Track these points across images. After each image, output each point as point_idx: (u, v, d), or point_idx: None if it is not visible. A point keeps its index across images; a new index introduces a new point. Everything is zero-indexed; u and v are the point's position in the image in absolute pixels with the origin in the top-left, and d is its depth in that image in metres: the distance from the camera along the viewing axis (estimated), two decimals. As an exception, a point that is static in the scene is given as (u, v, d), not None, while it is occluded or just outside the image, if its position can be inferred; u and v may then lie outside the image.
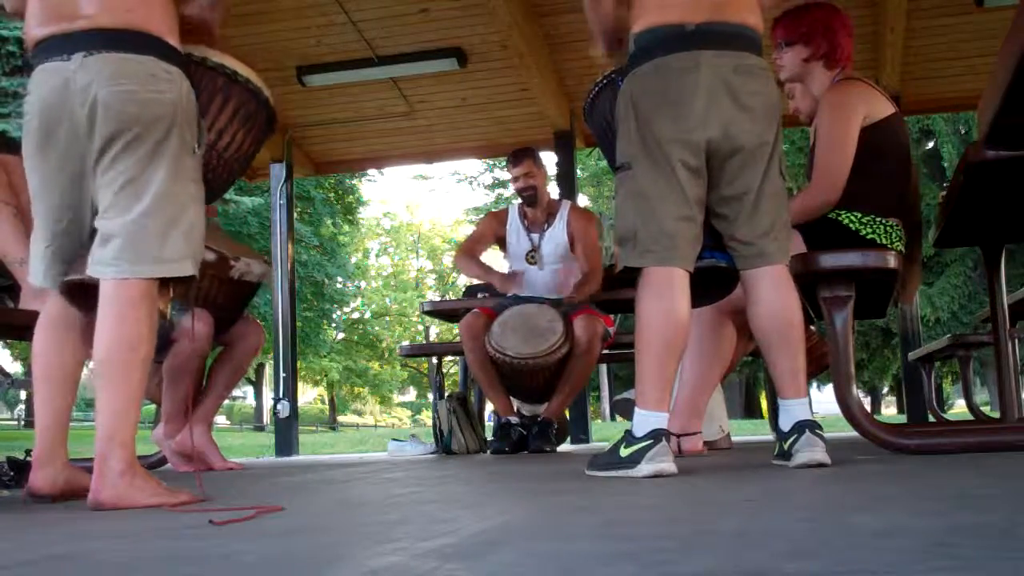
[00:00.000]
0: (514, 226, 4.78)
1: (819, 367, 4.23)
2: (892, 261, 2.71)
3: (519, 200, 4.78)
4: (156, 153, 2.03)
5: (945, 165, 20.19)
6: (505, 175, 5.40)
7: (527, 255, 4.70)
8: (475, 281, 5.13)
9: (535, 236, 4.71)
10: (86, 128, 2.02)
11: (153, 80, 2.03)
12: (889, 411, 33.47)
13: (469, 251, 4.81)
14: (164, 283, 2.16)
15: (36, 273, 2.19)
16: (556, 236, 4.67)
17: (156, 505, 1.93)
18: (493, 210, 5.54)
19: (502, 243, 4.83)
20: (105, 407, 1.99)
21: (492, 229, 4.85)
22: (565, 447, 5.18)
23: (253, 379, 30.95)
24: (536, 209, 4.71)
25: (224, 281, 3.90)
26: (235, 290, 3.99)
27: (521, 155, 4.73)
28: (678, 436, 3.23)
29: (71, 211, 2.11)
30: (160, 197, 2.03)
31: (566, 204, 4.80)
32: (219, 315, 3.93)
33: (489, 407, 4.99)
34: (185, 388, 3.88)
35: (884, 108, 3.01)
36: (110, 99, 2.00)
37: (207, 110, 2.30)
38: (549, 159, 6.89)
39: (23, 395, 27.39)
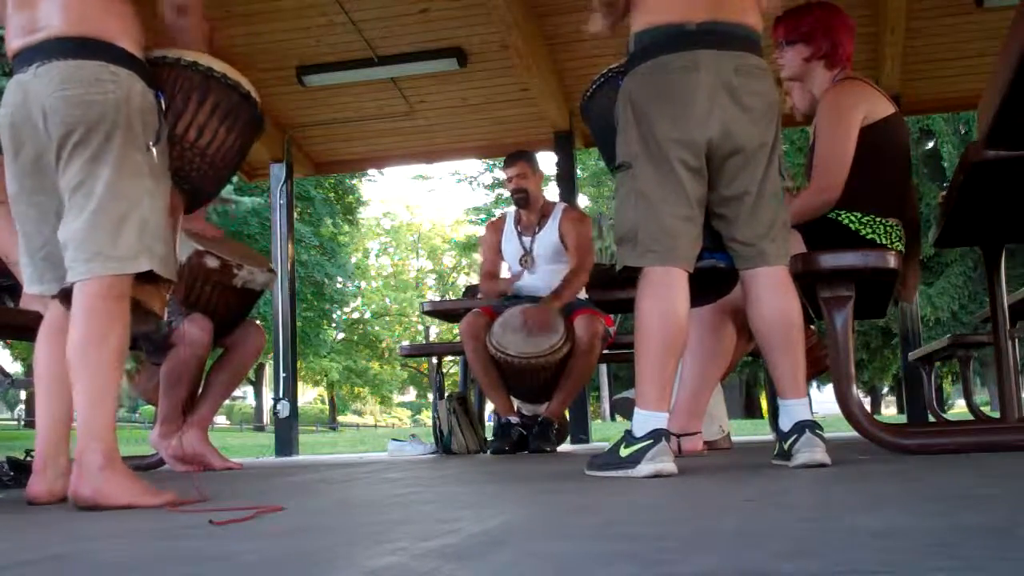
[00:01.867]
0: (509, 231, 4.79)
1: (818, 368, 4.23)
2: (892, 261, 2.71)
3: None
4: (102, 152, 2.05)
5: (945, 165, 20.17)
6: (504, 175, 5.38)
7: (520, 259, 4.70)
8: (475, 281, 5.13)
9: (527, 239, 4.71)
10: (46, 136, 2.07)
11: (97, 83, 2.06)
12: (889, 411, 33.47)
13: (487, 275, 4.81)
14: (154, 283, 2.17)
15: (31, 282, 2.22)
16: (548, 237, 4.67)
17: (136, 504, 1.93)
18: (491, 219, 5.54)
19: (501, 249, 4.83)
20: (80, 403, 2.00)
21: (492, 239, 4.86)
22: (565, 447, 5.18)
23: (253, 379, 30.95)
24: (529, 212, 4.72)
25: (227, 288, 3.90)
26: (238, 297, 3.98)
27: (515, 157, 4.75)
28: (678, 436, 3.22)
29: (53, 218, 2.13)
30: (108, 195, 2.05)
31: (560, 206, 4.80)
32: (220, 321, 3.93)
33: (489, 407, 4.99)
34: (182, 391, 3.88)
35: (884, 108, 3.01)
36: (55, 104, 2.05)
37: (184, 108, 2.30)
38: (549, 159, 6.92)
39: (23, 395, 27.39)
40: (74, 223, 2.05)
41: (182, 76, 2.29)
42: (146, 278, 2.12)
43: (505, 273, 4.94)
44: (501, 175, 4.93)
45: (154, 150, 2.14)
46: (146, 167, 2.12)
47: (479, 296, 4.97)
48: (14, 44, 2.14)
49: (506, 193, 4.82)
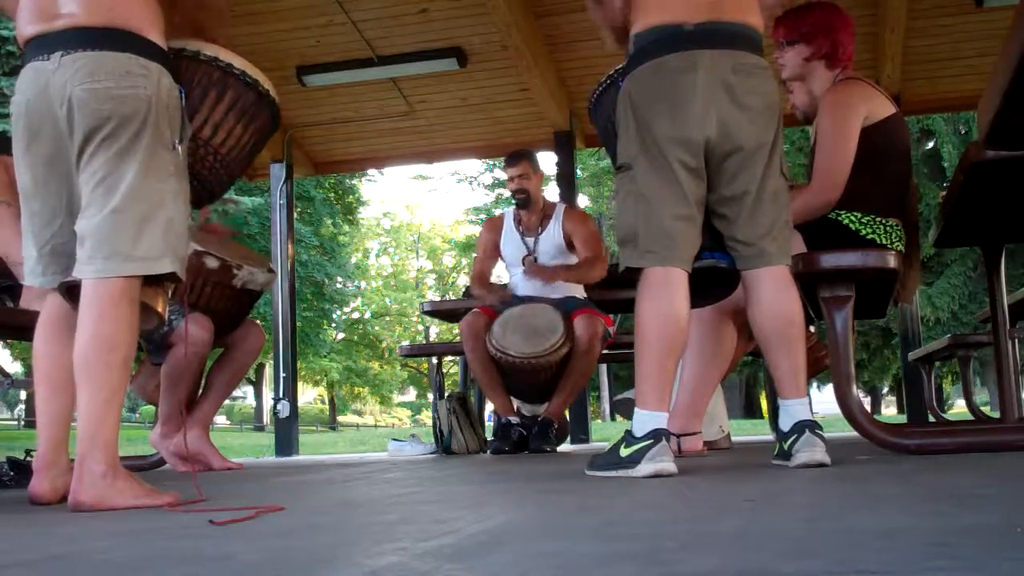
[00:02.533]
0: (509, 231, 4.78)
1: (816, 369, 4.23)
2: (892, 261, 2.71)
3: (514, 205, 4.79)
4: (130, 149, 2.02)
5: (945, 165, 20.17)
6: (505, 175, 5.39)
7: (522, 259, 4.69)
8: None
9: (530, 240, 4.71)
10: (67, 127, 2.03)
11: (128, 76, 2.02)
12: (889, 411, 33.46)
13: (480, 276, 4.83)
14: (157, 283, 2.15)
15: (32, 274, 2.17)
16: (552, 238, 4.66)
17: (138, 507, 1.92)
18: (489, 217, 5.55)
19: (498, 249, 4.82)
20: (84, 407, 1.98)
21: (490, 239, 4.85)
22: (565, 447, 5.18)
23: (253, 379, 30.95)
24: (529, 212, 4.71)
25: (226, 288, 3.89)
26: (237, 298, 3.98)
27: (516, 157, 4.74)
28: (678, 436, 3.22)
29: (64, 210, 2.10)
30: (133, 193, 2.02)
31: (561, 206, 4.80)
32: (220, 321, 3.93)
33: (489, 407, 4.99)
34: (182, 391, 3.88)
35: (884, 108, 3.01)
36: (84, 96, 2.00)
37: (202, 105, 2.27)
38: (549, 159, 6.93)
39: (23, 395, 27.38)
40: (95, 218, 2.01)
41: (200, 71, 2.27)
42: (150, 278, 2.10)
43: (503, 276, 4.94)
44: (501, 175, 4.95)
45: (179, 149, 2.11)
46: (172, 166, 2.09)
47: (471, 295, 4.97)
48: (28, 30, 2.08)
49: (506, 193, 4.83)
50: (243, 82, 2.32)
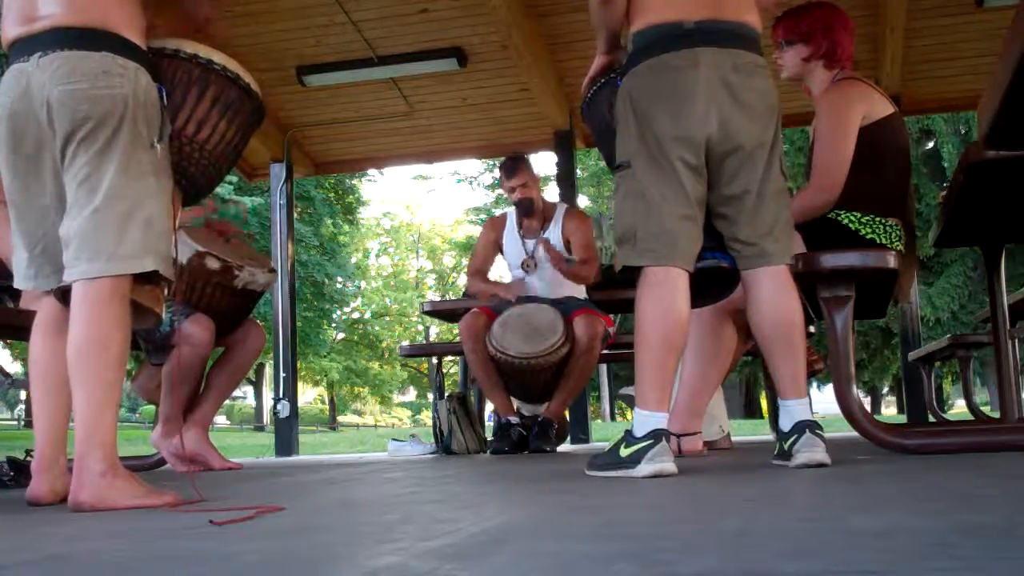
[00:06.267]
0: (510, 232, 4.78)
1: (807, 373, 4.21)
2: (892, 261, 2.71)
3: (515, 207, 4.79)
4: (107, 149, 2.03)
5: (945, 165, 20.17)
6: (506, 184, 5.30)
7: (523, 263, 4.70)
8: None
9: (530, 243, 4.71)
10: (49, 128, 2.04)
11: (105, 76, 2.03)
12: (889, 411, 33.45)
13: (476, 272, 4.83)
14: (153, 282, 2.15)
15: (25, 278, 2.17)
16: (552, 240, 4.66)
17: (138, 506, 1.92)
18: (492, 215, 5.54)
19: (500, 249, 4.83)
20: (81, 408, 1.98)
21: (491, 239, 4.85)
22: (565, 447, 5.18)
23: (253, 379, 30.93)
24: (532, 218, 4.71)
25: (228, 289, 3.90)
26: (239, 298, 3.99)
27: (514, 166, 4.71)
28: (678, 436, 3.22)
29: (54, 210, 2.10)
30: (112, 193, 2.02)
31: (562, 207, 4.80)
32: (221, 321, 3.93)
33: (489, 407, 4.99)
34: (184, 391, 3.88)
35: (883, 108, 3.02)
36: (62, 98, 2.01)
37: (184, 101, 2.26)
38: (549, 159, 6.94)
39: (23, 395, 27.39)
40: (76, 220, 2.02)
41: (181, 68, 2.27)
42: (144, 278, 2.10)
43: (504, 275, 4.94)
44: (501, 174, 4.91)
45: (158, 147, 2.11)
46: (150, 165, 2.09)
47: (468, 293, 4.97)
48: (12, 33, 2.10)
49: (507, 193, 4.81)
50: (225, 77, 2.31)
